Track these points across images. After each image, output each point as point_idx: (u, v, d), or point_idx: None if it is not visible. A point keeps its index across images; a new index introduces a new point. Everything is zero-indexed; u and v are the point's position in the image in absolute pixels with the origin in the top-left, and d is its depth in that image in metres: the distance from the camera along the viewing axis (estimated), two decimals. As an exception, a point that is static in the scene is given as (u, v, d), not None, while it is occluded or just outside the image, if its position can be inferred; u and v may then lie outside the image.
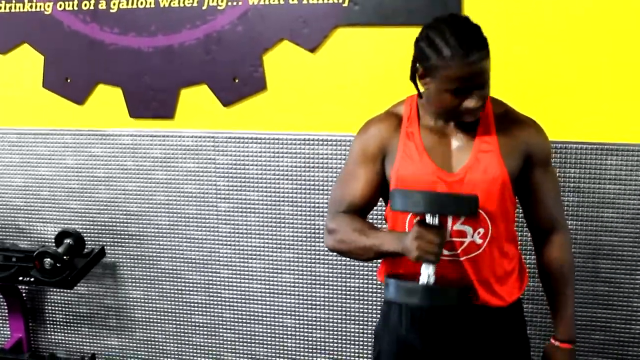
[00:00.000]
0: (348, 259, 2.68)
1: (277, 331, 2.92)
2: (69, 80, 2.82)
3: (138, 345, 3.09)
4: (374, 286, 2.75)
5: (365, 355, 2.85)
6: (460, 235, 1.77)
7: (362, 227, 1.77)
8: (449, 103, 1.66)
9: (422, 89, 1.74)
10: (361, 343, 2.84)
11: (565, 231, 1.91)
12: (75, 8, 2.72)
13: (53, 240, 2.89)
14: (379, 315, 2.04)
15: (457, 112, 1.68)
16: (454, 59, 1.60)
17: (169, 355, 3.07)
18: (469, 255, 1.78)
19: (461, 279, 1.80)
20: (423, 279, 1.61)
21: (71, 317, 3.14)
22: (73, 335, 3.16)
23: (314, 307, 2.84)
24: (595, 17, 2.32)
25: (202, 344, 3.02)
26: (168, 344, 3.06)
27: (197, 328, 3.00)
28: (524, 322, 1.97)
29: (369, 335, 2.81)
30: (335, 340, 2.86)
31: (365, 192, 1.82)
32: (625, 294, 2.56)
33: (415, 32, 2.39)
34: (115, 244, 2.97)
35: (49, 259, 2.68)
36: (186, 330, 3.01)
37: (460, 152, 1.76)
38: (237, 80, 2.64)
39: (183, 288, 2.96)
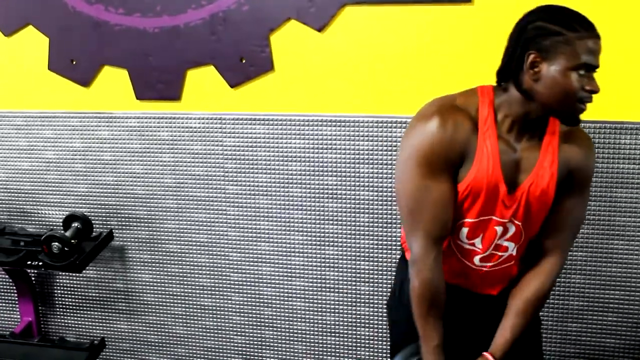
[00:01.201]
0: (359, 250, 2.69)
1: (285, 314, 2.90)
2: (74, 62, 2.79)
3: (147, 328, 3.09)
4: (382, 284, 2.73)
5: (345, 344, 2.84)
6: (503, 249, 1.77)
7: (435, 310, 1.75)
8: (573, 84, 1.56)
9: (527, 84, 1.62)
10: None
11: (561, 265, 1.84)
12: (80, -11, 2.69)
13: (61, 224, 2.88)
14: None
15: (577, 99, 1.59)
16: (585, 30, 1.55)
17: (178, 338, 3.07)
18: (502, 266, 1.80)
19: (472, 283, 1.83)
20: None
21: (80, 301, 3.13)
22: (82, 319, 3.16)
23: (323, 289, 2.82)
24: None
25: (210, 326, 3.01)
26: (177, 327, 3.05)
27: (205, 311, 2.99)
28: None
29: (381, 337, 2.80)
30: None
31: (450, 209, 1.70)
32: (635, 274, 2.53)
33: (424, 9, 2.40)
34: (123, 227, 2.96)
35: (57, 243, 2.67)
36: (195, 313, 3.01)
37: (524, 171, 1.70)
38: (243, 61, 2.61)
39: (191, 271, 2.95)
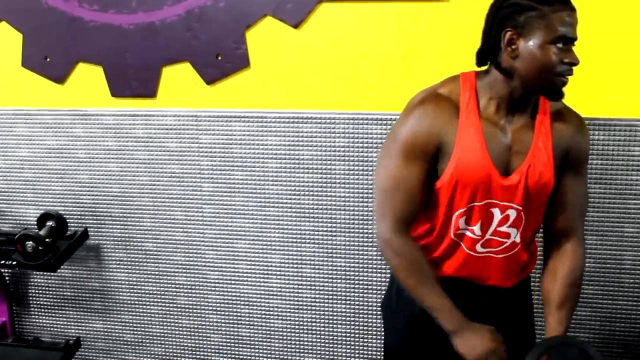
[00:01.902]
0: (340, 243, 2.69)
1: (263, 312, 2.90)
2: (48, 59, 2.77)
3: (123, 327, 3.07)
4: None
5: (355, 356, 2.84)
6: (505, 236, 1.76)
7: (427, 275, 1.76)
8: (551, 58, 1.57)
9: (506, 62, 1.63)
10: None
11: (582, 243, 1.85)
12: (54, -15, 2.67)
13: (35, 223, 2.85)
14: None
15: (556, 72, 1.60)
16: (560, 3, 1.57)
17: (154, 337, 3.05)
18: (507, 254, 1.78)
19: (481, 272, 1.81)
20: None
21: (55, 300, 3.10)
22: (57, 318, 3.13)
23: (300, 287, 2.82)
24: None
25: (187, 325, 2.99)
26: (153, 326, 3.03)
27: (182, 310, 2.98)
28: (530, 297, 1.97)
29: (359, 334, 2.80)
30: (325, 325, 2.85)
31: (419, 195, 1.74)
32: (612, 270, 2.55)
33: (400, 6, 2.41)
34: (98, 225, 2.93)
35: (31, 242, 2.65)
36: (171, 312, 2.99)
37: (517, 151, 1.70)
38: (219, 58, 2.60)
39: (167, 270, 2.93)
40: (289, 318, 2.88)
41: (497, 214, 1.72)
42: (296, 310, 2.86)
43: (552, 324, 1.79)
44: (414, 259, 1.77)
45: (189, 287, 2.93)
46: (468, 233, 1.76)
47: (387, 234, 1.76)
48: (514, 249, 1.79)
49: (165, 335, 3.04)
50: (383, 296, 2.10)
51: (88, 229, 2.93)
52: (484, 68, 1.74)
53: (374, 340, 2.82)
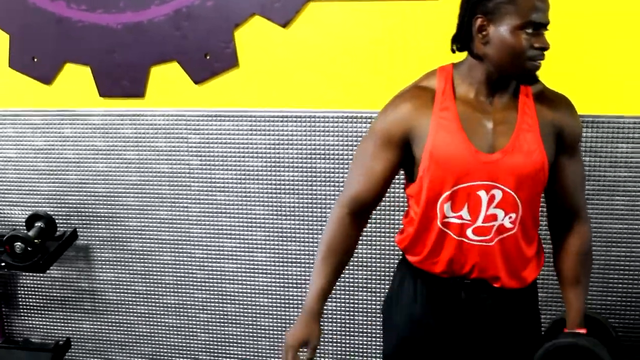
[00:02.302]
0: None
1: (250, 311, 2.90)
2: (35, 60, 2.75)
3: (113, 327, 3.06)
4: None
5: (344, 353, 2.85)
6: (492, 219, 1.73)
7: (331, 257, 1.84)
8: (521, 44, 1.58)
9: (478, 48, 1.65)
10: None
11: (587, 222, 1.89)
12: (41, -15, 2.66)
13: (24, 224, 2.84)
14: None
15: (527, 57, 1.61)
16: None
17: (143, 337, 3.05)
18: (500, 237, 1.75)
19: (484, 266, 1.79)
20: None
21: (44, 301, 3.09)
22: (47, 319, 3.12)
23: (287, 285, 2.83)
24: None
25: (175, 324, 2.99)
26: (142, 326, 3.03)
27: (171, 309, 2.97)
28: (537, 300, 1.96)
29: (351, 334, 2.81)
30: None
31: (379, 184, 1.79)
32: (601, 266, 2.57)
33: (388, 5, 2.42)
34: (88, 226, 2.93)
35: (19, 243, 2.64)
36: (160, 312, 2.99)
37: (501, 132, 1.69)
38: (208, 57, 2.60)
39: (156, 269, 2.93)
40: (276, 315, 2.88)
41: (484, 197, 1.71)
42: (283, 308, 2.86)
43: (571, 299, 1.89)
44: (334, 241, 1.84)
45: (178, 286, 2.93)
46: (455, 220, 1.74)
47: (337, 206, 1.84)
48: (507, 233, 1.76)
49: (155, 334, 3.03)
50: (383, 300, 2.09)
51: (77, 230, 2.92)
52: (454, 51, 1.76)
53: (364, 339, 2.83)
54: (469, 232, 1.75)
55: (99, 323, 3.07)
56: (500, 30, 1.60)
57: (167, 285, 2.94)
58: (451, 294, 1.83)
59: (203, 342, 3.00)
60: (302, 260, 2.78)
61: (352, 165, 1.85)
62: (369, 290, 2.76)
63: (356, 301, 2.80)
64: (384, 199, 1.85)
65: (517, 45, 1.59)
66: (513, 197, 1.71)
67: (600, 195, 2.49)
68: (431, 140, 1.68)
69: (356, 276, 2.76)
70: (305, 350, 1.84)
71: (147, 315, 3.01)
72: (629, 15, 2.31)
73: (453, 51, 1.73)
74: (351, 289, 2.78)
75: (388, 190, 1.83)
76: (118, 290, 3.00)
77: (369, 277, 2.75)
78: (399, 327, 1.93)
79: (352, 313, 2.82)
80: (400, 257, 1.96)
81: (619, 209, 2.50)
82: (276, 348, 2.93)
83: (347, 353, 2.87)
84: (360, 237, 1.89)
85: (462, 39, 1.69)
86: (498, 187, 1.70)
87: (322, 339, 2.81)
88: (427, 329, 1.87)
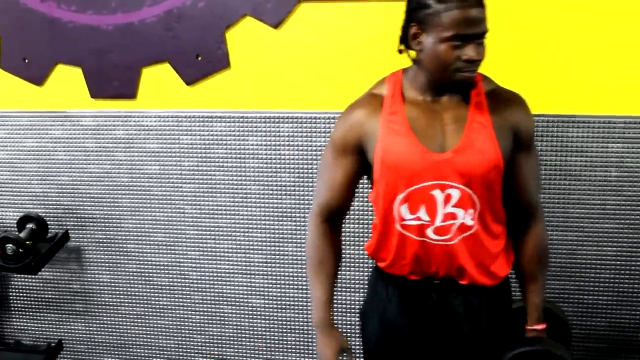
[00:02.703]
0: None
1: (245, 311, 2.90)
2: (26, 61, 2.75)
3: (105, 329, 3.05)
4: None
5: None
6: (451, 217, 1.74)
7: (323, 267, 1.89)
8: (447, 55, 1.59)
9: (414, 54, 1.68)
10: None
11: (542, 218, 1.90)
12: (31, -15, 2.65)
13: (15, 225, 2.83)
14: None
15: (454, 69, 1.61)
16: (453, 1, 1.56)
17: (137, 339, 3.04)
18: (463, 235, 1.75)
19: (450, 265, 1.79)
20: None
21: (36, 303, 3.08)
22: (39, 321, 3.11)
23: (282, 286, 2.83)
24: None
25: (169, 326, 2.99)
26: (135, 328, 3.02)
27: (164, 311, 2.97)
28: (510, 298, 1.96)
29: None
30: (305, 319, 2.85)
31: (343, 191, 1.84)
32: (593, 265, 2.58)
33: (379, 6, 2.42)
34: (79, 227, 2.92)
35: (11, 245, 2.63)
36: (153, 314, 2.98)
37: (452, 131, 1.70)
38: (199, 58, 2.60)
39: (149, 271, 2.92)
40: (272, 317, 2.88)
41: (439, 196, 1.72)
42: (280, 310, 2.86)
43: (530, 296, 1.93)
44: (318, 251, 1.90)
45: (171, 287, 2.93)
46: (414, 222, 1.75)
47: (311, 217, 1.91)
48: (469, 231, 1.76)
49: (148, 336, 3.03)
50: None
51: (69, 231, 2.91)
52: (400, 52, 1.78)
53: (358, 340, 2.83)
54: (429, 232, 1.76)
55: (91, 325, 3.06)
56: (429, 40, 1.61)
57: (161, 287, 2.94)
58: (422, 296, 1.85)
59: (198, 344, 2.99)
60: (298, 261, 2.78)
61: (318, 175, 1.91)
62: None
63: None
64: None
65: (443, 56, 1.60)
66: (469, 194, 1.72)
67: (591, 194, 2.50)
68: (381, 144, 1.71)
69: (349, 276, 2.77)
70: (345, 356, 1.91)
71: (139, 317, 3.00)
72: (620, 16, 2.31)
73: (400, 52, 1.76)
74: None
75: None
76: (110, 292, 2.99)
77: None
78: (374, 331, 1.95)
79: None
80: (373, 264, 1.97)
81: (610, 209, 2.51)
82: (271, 349, 2.93)
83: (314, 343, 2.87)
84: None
85: (405, 43, 1.72)
86: (453, 186, 1.71)
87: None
88: (400, 331, 1.88)
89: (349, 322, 2.82)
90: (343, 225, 1.94)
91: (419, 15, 1.62)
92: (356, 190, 1.87)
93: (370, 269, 1.96)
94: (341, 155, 1.79)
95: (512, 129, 1.73)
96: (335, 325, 1.91)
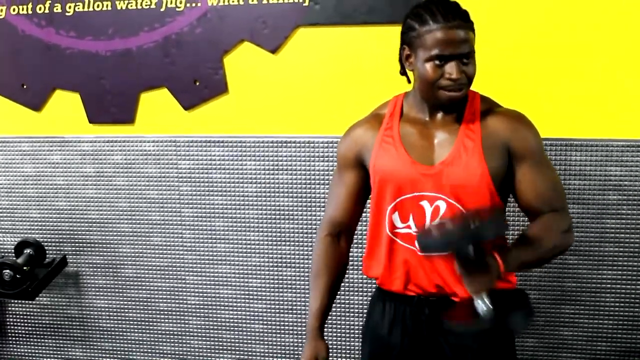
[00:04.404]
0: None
1: (245, 337, 2.88)
2: (25, 86, 2.75)
3: (103, 355, 3.04)
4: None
5: (338, 357, 2.83)
6: None
7: (321, 278, 1.88)
8: (431, 74, 1.65)
9: (409, 75, 1.77)
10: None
11: (566, 215, 1.81)
12: (30, 12, 2.65)
13: (12, 251, 2.82)
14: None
15: (439, 87, 1.66)
16: (435, 23, 1.63)
17: (135, 365, 3.03)
18: None
19: (437, 277, 1.79)
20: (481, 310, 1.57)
21: (34, 328, 3.07)
22: (36, 347, 3.09)
23: (282, 311, 2.81)
24: (559, 14, 2.32)
25: (168, 351, 2.97)
26: (134, 354, 3.00)
27: (163, 335, 2.95)
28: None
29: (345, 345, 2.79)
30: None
31: (347, 204, 1.89)
32: (592, 289, 2.56)
33: (376, 30, 2.42)
34: (77, 252, 2.91)
35: (8, 271, 2.62)
36: (152, 338, 2.96)
37: (442, 146, 1.75)
38: (197, 83, 2.60)
39: (148, 296, 2.91)
40: (272, 342, 2.86)
41: (427, 207, 1.76)
42: (280, 334, 2.85)
43: (515, 243, 1.73)
44: (320, 262, 1.90)
45: (170, 312, 2.91)
46: (405, 230, 1.80)
47: (319, 231, 1.94)
48: None
49: (146, 362, 3.01)
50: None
51: (67, 256, 2.90)
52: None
53: (359, 343, 2.83)
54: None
55: (89, 351, 3.04)
56: (416, 61, 1.69)
57: (160, 312, 2.92)
58: (415, 313, 1.85)
59: (194, 369, 2.98)
60: (297, 286, 2.77)
61: (328, 192, 1.98)
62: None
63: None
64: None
65: (428, 75, 1.66)
66: (457, 207, 1.74)
67: (590, 218, 2.49)
68: (374, 156, 1.79)
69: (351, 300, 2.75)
70: None
71: (138, 342, 2.98)
72: (619, 41, 2.32)
73: (401, 73, 1.83)
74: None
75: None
76: (109, 317, 2.97)
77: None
78: (370, 347, 1.97)
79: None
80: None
81: (609, 232, 2.50)
82: (269, 353, 2.92)
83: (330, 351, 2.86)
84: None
85: (402, 64, 1.80)
86: (441, 198, 1.75)
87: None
88: (393, 347, 1.89)
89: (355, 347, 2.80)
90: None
91: (409, 37, 1.70)
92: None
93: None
94: (344, 169, 1.88)
95: (504, 144, 1.75)
96: (324, 337, 1.89)
